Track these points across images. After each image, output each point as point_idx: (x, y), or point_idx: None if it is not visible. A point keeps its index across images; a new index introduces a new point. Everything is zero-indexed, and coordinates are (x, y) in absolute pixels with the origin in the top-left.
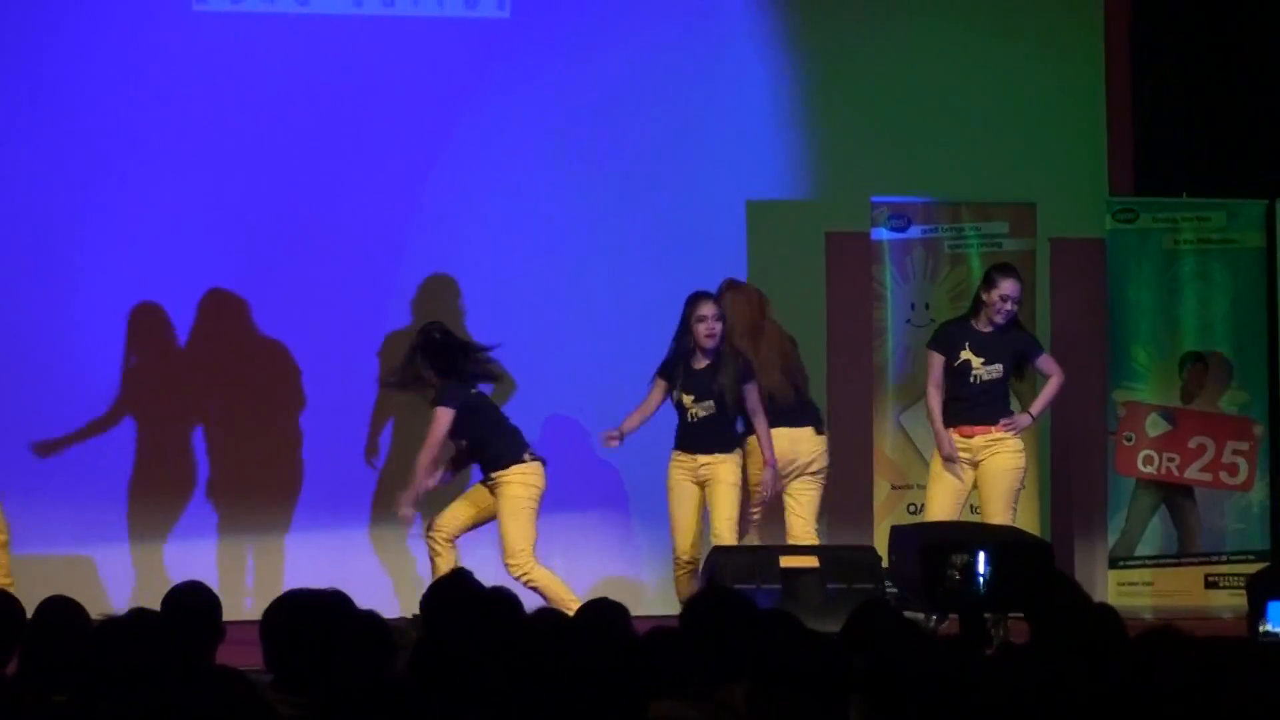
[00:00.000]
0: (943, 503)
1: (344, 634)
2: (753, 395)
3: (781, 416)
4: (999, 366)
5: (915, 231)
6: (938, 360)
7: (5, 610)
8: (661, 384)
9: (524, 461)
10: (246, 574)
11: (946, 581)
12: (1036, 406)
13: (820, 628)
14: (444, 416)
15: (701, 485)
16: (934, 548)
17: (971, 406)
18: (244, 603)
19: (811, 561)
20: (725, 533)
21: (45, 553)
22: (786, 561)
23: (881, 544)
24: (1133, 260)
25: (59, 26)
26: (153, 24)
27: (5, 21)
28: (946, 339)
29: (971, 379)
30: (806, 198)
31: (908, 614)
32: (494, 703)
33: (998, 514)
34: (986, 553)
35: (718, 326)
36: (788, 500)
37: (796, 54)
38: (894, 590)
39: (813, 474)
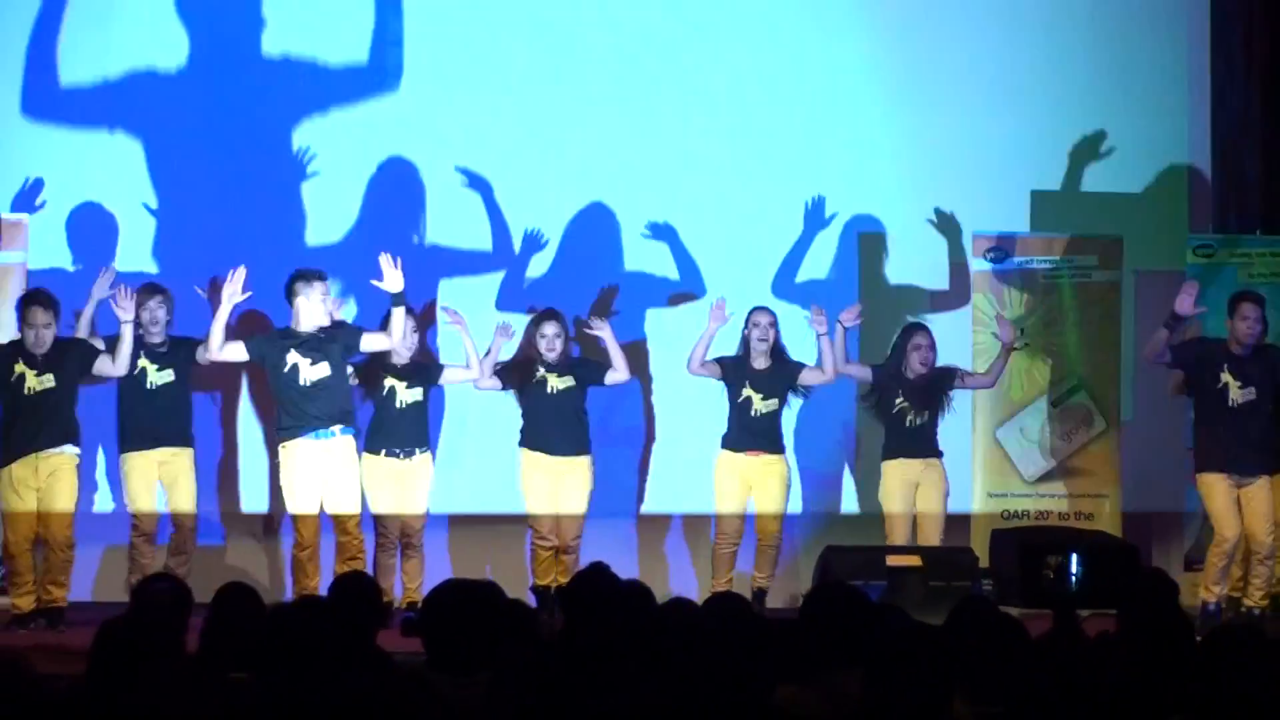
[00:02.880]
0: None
1: (497, 620)
2: None
3: None
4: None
5: (1012, 263)
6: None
7: (176, 595)
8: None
9: None
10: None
11: (1042, 580)
12: None
13: (924, 621)
14: None
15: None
16: (1031, 549)
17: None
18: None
19: (915, 561)
20: None
21: (216, 544)
22: (893, 561)
23: (978, 545)
24: (1210, 292)
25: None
26: None
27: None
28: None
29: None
30: (914, 230)
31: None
32: (633, 686)
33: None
34: (1078, 553)
35: (931, 355)
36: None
37: (907, 98)
38: (990, 588)
39: None
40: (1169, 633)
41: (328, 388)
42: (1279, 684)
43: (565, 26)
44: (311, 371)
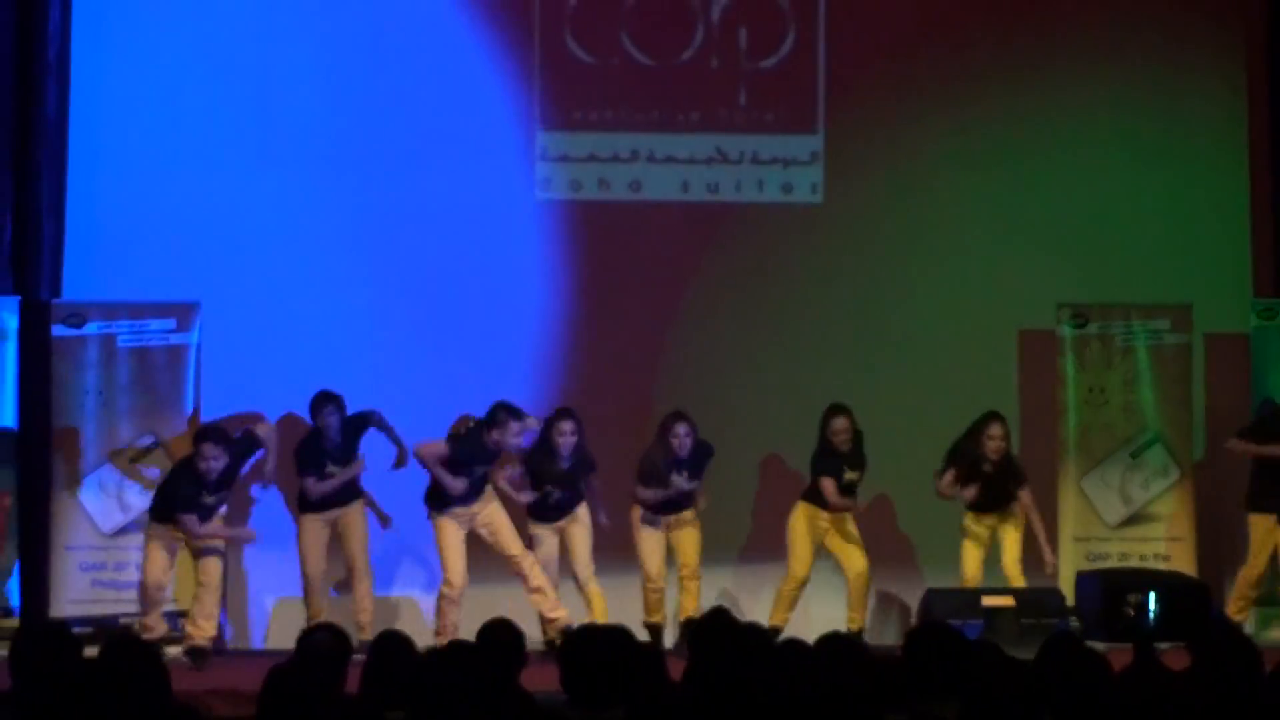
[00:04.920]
0: None
1: (629, 661)
2: None
3: None
4: None
5: (1092, 328)
6: None
7: (337, 641)
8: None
9: None
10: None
11: (1123, 616)
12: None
13: (1016, 656)
14: None
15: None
16: (1113, 588)
17: None
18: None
19: (1009, 601)
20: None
21: (380, 594)
22: (988, 601)
23: (1065, 586)
24: (1274, 353)
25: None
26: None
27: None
28: None
29: None
30: (1001, 300)
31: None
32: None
33: None
34: (1156, 592)
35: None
36: None
37: (993, 177)
38: (1076, 624)
39: None
40: (1240, 663)
41: None
42: None
43: None
44: None
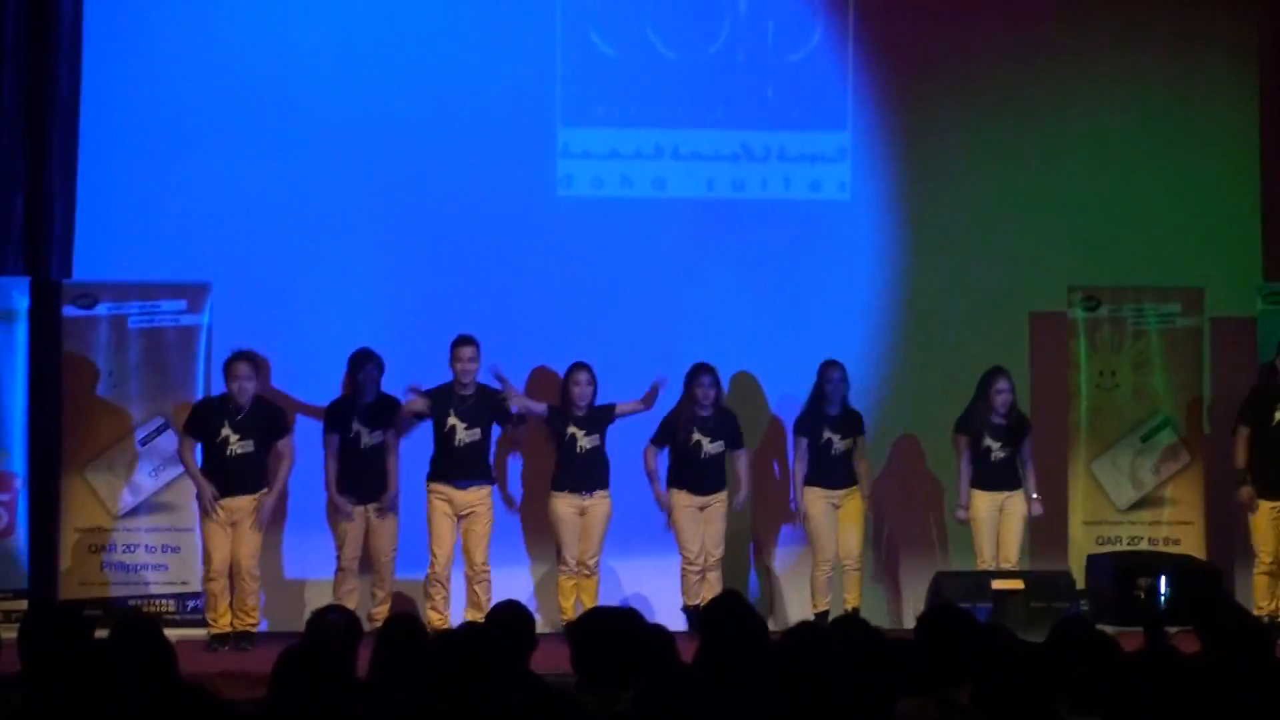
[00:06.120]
0: None
1: (639, 643)
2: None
3: None
4: None
5: (1104, 311)
6: None
7: (348, 624)
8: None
9: None
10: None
11: (1134, 600)
12: None
13: (1026, 639)
14: None
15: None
16: (1123, 572)
17: None
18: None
19: (1018, 584)
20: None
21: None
22: (998, 584)
23: (1075, 569)
24: (1277, 335)
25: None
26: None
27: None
28: None
29: None
30: (1015, 284)
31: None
32: (767, 701)
33: None
34: (1167, 575)
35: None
36: None
37: (1010, 164)
38: (1087, 607)
39: None
40: (1250, 646)
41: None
42: None
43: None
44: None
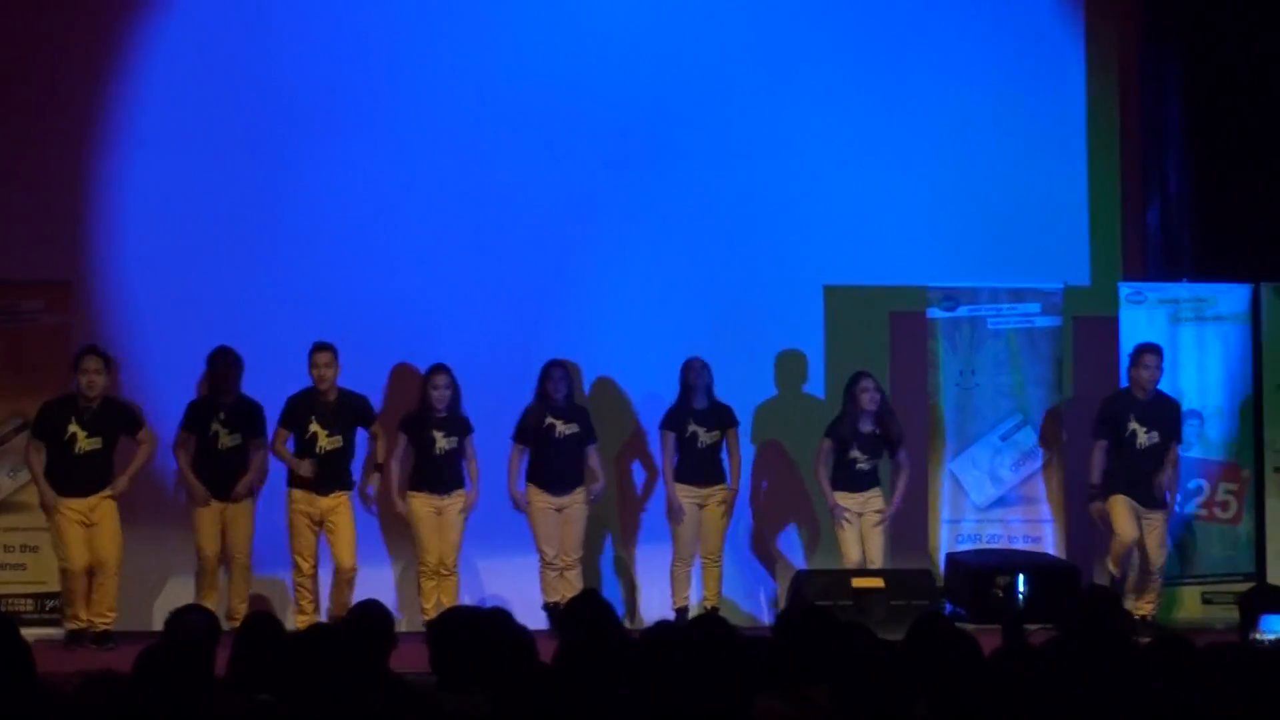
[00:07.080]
0: None
1: (499, 643)
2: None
3: None
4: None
5: (963, 311)
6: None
7: (207, 624)
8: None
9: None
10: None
11: (992, 598)
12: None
13: (886, 637)
14: None
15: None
16: (982, 570)
17: None
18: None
19: (878, 582)
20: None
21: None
22: (858, 583)
23: (936, 567)
24: (1141, 335)
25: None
26: None
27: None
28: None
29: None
30: (873, 284)
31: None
32: (626, 702)
33: None
34: (1025, 574)
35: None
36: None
37: (865, 162)
38: (946, 606)
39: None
40: (1111, 641)
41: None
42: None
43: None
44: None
